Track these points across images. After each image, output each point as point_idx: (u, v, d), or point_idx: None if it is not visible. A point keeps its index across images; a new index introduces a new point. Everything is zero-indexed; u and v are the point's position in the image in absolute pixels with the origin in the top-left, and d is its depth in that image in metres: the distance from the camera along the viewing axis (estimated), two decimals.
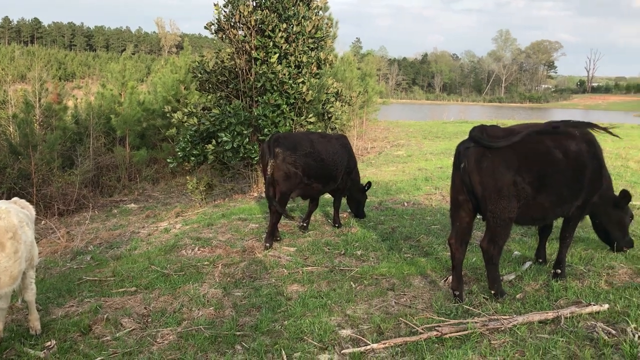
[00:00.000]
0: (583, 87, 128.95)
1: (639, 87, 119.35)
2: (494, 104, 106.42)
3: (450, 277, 5.50)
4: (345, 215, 9.24)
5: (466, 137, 5.17)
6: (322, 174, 7.89)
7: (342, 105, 14.12)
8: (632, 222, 6.59)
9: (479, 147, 4.97)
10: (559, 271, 5.70)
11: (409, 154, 20.91)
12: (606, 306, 4.72)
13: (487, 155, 4.92)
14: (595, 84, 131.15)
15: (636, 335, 4.08)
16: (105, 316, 5.35)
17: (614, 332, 4.24)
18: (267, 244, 7.58)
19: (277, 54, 11.64)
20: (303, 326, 4.79)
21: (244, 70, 12.28)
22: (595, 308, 4.67)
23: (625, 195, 6.13)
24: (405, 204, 10.43)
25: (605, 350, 3.98)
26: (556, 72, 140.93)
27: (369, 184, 9.05)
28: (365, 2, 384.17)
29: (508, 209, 4.96)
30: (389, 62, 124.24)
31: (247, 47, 12.11)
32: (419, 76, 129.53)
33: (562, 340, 4.16)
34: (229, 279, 6.43)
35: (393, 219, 9.09)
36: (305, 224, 8.65)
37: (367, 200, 9.30)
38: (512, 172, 4.92)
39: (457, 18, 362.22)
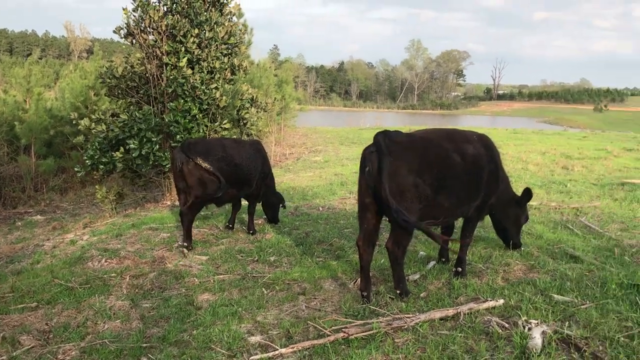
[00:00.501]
0: (490, 95, 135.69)
1: (540, 94, 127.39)
2: (407, 111, 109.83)
3: (359, 279, 5.62)
4: (260, 222, 9.22)
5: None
6: (236, 179, 7.85)
7: (257, 112, 14.07)
8: (527, 222, 7.02)
9: (384, 151, 5.11)
10: (460, 269, 6.00)
11: (326, 159, 21.15)
12: (501, 301, 5.00)
13: (391, 159, 5.08)
14: (501, 92, 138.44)
15: (526, 327, 4.35)
16: (1, 335, 5.03)
17: (507, 325, 4.50)
18: (187, 244, 7.64)
19: (186, 58, 11.43)
20: (212, 335, 4.73)
21: (155, 76, 11.98)
22: (492, 303, 4.93)
23: (528, 193, 6.56)
24: (321, 208, 10.54)
25: (499, 342, 4.22)
26: (465, 80, 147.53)
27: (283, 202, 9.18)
28: (282, 10, 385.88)
29: (410, 210, 5.12)
30: (307, 70, 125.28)
31: (158, 52, 11.82)
32: (337, 84, 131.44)
33: (461, 336, 4.36)
34: (137, 290, 6.23)
35: (308, 223, 9.16)
36: (231, 225, 8.77)
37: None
38: (413, 174, 5.11)
39: (372, 27, 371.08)
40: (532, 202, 10.04)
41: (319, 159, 21.35)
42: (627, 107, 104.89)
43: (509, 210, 6.61)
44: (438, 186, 5.28)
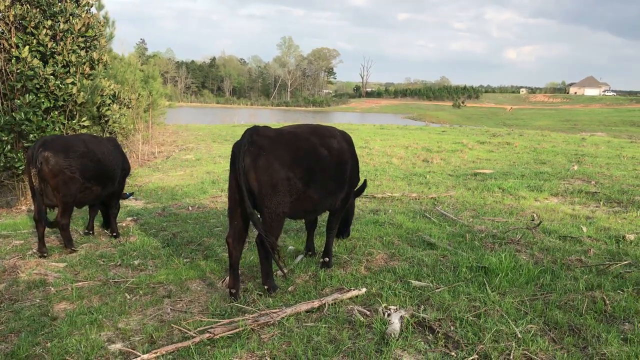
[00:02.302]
0: (359, 92, 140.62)
1: (405, 92, 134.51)
2: (281, 107, 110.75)
3: (227, 277, 5.58)
4: (124, 224, 8.82)
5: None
6: (101, 175, 7.48)
7: (120, 108, 13.45)
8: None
9: (254, 146, 5.15)
10: (327, 259, 6.21)
11: (197, 157, 20.70)
12: (364, 290, 5.22)
13: (262, 153, 5.12)
14: (369, 89, 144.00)
15: (386, 314, 4.58)
16: None
17: (368, 313, 4.70)
18: (43, 252, 7.15)
19: (27, 47, 10.58)
20: (68, 346, 4.44)
21: (3, 70, 11.00)
22: (355, 293, 5.13)
23: (365, 184, 7.13)
24: (190, 208, 10.30)
25: (361, 330, 4.40)
26: (335, 78, 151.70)
27: (132, 193, 8.97)
28: (150, 3, 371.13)
29: (282, 203, 5.23)
30: (177, 65, 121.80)
31: (6, 44, 10.87)
32: (209, 80, 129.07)
33: (325, 326, 4.48)
34: None
35: (176, 224, 8.92)
36: (90, 231, 8.33)
37: (150, 207, 9.01)
38: (285, 168, 5.22)
39: (242, 23, 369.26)
40: (395, 194, 10.61)
41: (190, 157, 20.85)
42: (482, 104, 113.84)
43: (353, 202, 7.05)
44: (308, 179, 5.44)
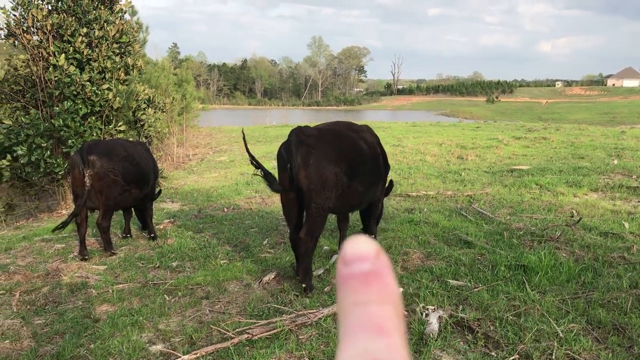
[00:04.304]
0: (390, 90, 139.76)
1: (437, 88, 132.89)
2: (312, 107, 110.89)
3: (266, 277, 5.69)
4: (161, 226, 8.96)
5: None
6: (139, 178, 7.69)
7: (155, 112, 13.68)
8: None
9: (303, 145, 5.31)
10: (373, 236, 6.53)
11: (231, 159, 20.90)
12: (401, 290, 5.19)
13: (312, 152, 5.28)
14: (400, 86, 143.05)
15: (424, 314, 4.54)
16: None
17: (406, 312, 4.67)
18: (85, 255, 7.32)
19: (63, 55, 10.85)
20: (111, 347, 4.53)
21: (42, 78, 11.31)
22: None
23: (392, 184, 7.18)
24: (226, 209, 10.40)
25: None
26: (366, 76, 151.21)
27: (160, 191, 9.08)
28: (180, 8, 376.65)
29: (329, 199, 5.42)
30: (209, 68, 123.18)
31: (44, 52, 11.17)
32: (240, 82, 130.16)
33: None
34: (29, 306, 5.85)
35: (212, 225, 9.02)
36: (128, 234, 8.48)
37: (186, 209, 9.15)
38: (332, 164, 5.37)
39: (272, 24, 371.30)
40: (430, 192, 10.51)
41: (223, 159, 21.06)
42: (516, 98, 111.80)
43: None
44: (352, 173, 5.60)
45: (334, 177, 5.41)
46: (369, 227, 7.11)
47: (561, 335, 4.21)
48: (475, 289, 5.27)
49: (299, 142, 5.34)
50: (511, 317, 4.56)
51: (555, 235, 7.05)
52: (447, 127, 31.45)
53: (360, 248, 0.49)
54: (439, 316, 4.54)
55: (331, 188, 5.41)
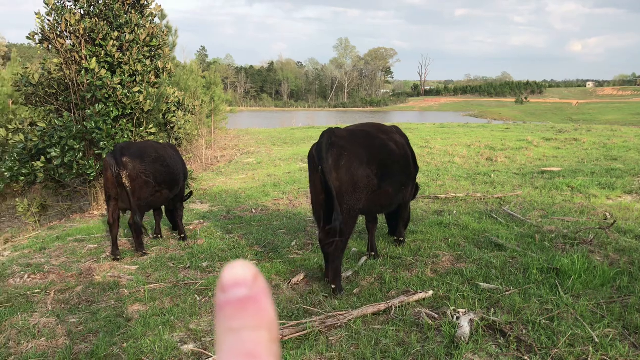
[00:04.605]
0: (417, 91, 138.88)
1: (465, 89, 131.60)
2: (338, 109, 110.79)
3: (295, 278, 5.71)
4: (191, 227, 9.06)
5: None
6: (169, 179, 7.82)
7: (185, 115, 13.84)
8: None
9: (335, 147, 5.34)
10: (401, 239, 6.76)
11: (258, 161, 21.02)
12: (431, 292, 5.15)
13: (343, 153, 5.29)
14: (427, 87, 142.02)
15: (455, 317, 4.50)
16: None
17: (436, 316, 4.63)
18: (117, 255, 7.46)
19: (94, 59, 11.05)
20: (143, 346, 4.60)
21: (74, 82, 11.54)
22: (422, 295, 5.06)
23: (418, 187, 7.23)
24: (254, 210, 10.47)
25: (429, 333, 4.33)
26: (393, 77, 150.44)
27: (191, 193, 9.17)
28: (208, 11, 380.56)
29: (360, 200, 5.44)
30: (237, 71, 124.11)
31: (77, 56, 11.39)
32: (267, 84, 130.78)
33: (393, 329, 4.45)
34: (63, 305, 5.98)
35: (241, 226, 9.08)
36: (158, 235, 8.59)
37: (215, 210, 9.24)
38: (364, 166, 5.40)
39: (299, 27, 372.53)
40: (459, 194, 10.41)
41: (251, 161, 21.19)
42: (546, 99, 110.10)
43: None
44: (383, 174, 5.63)
45: (365, 178, 5.42)
46: (396, 230, 7.09)
47: (596, 340, 4.12)
48: (506, 292, 5.20)
49: (330, 143, 5.35)
50: (544, 321, 4.49)
51: (588, 238, 6.91)
52: (476, 128, 31.11)
53: (237, 273, 0.50)
54: (470, 319, 4.50)
55: (362, 190, 5.41)
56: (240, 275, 0.50)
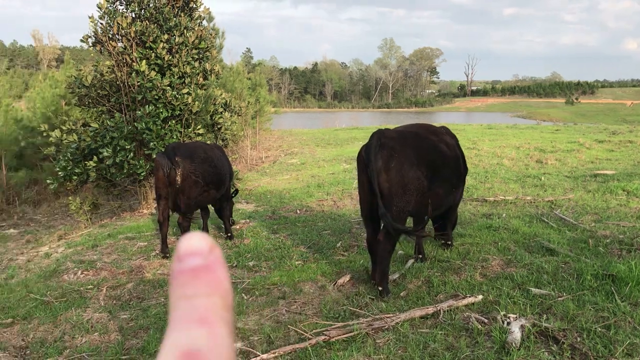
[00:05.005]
0: (464, 91, 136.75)
1: (513, 89, 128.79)
2: (382, 109, 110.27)
3: (341, 280, 5.71)
4: (237, 227, 9.16)
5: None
6: (217, 179, 7.97)
7: (231, 116, 14.02)
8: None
9: (385, 149, 5.32)
10: (449, 242, 6.72)
11: (302, 161, 21.10)
12: (480, 297, 5.05)
13: (394, 155, 5.26)
14: (474, 88, 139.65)
15: (505, 322, 4.39)
16: None
17: (486, 320, 4.53)
18: (166, 253, 7.63)
19: (144, 61, 11.30)
20: None
21: (125, 83, 11.84)
22: (471, 300, 4.97)
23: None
24: (298, 211, 10.51)
25: (479, 338, 4.25)
26: (438, 78, 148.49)
27: (237, 191, 9.29)
28: (253, 13, 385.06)
29: (409, 202, 5.42)
30: (281, 72, 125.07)
31: (128, 59, 11.70)
32: (311, 85, 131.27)
33: (441, 333, 4.38)
34: (115, 301, 6.14)
35: (286, 227, 9.13)
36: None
37: (260, 210, 9.34)
38: (414, 168, 5.37)
39: (343, 27, 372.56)
40: (508, 197, 10.19)
41: (295, 162, 21.30)
42: (598, 99, 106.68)
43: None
44: (433, 176, 5.58)
45: (415, 180, 5.38)
46: (443, 232, 7.01)
47: None
48: (559, 298, 5.05)
49: (381, 145, 5.32)
50: (600, 329, 4.33)
51: None
52: (525, 129, 30.40)
53: (193, 244, 0.52)
54: (522, 325, 4.38)
55: (412, 192, 5.37)
56: (196, 245, 0.52)
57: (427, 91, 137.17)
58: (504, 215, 8.82)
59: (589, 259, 6.13)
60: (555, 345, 4.17)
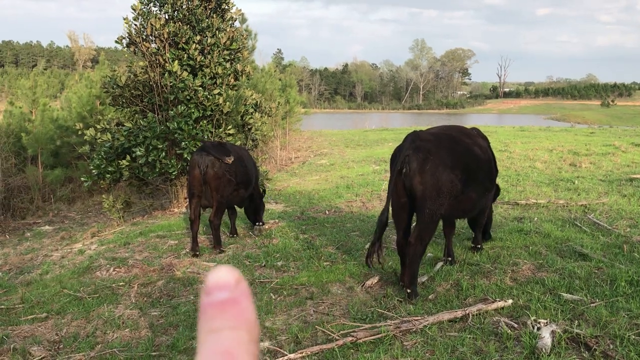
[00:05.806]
0: (496, 93, 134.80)
1: (547, 91, 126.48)
2: (413, 111, 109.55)
3: (369, 281, 5.73)
4: (266, 227, 9.23)
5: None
6: (246, 179, 8.13)
7: (262, 116, 14.11)
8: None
9: (420, 151, 5.31)
10: (479, 246, 6.69)
11: (331, 162, 21.12)
12: (510, 301, 4.98)
13: (429, 157, 5.26)
14: (507, 89, 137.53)
15: (535, 327, 4.32)
16: (12, 346, 5.05)
17: (516, 325, 4.47)
18: (196, 252, 7.72)
19: (176, 62, 11.46)
20: None
21: (158, 84, 12.04)
22: (500, 304, 4.91)
23: (499, 189, 7.13)
24: (327, 212, 10.52)
25: (508, 343, 4.19)
26: (470, 79, 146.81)
27: (264, 191, 9.47)
28: (285, 14, 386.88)
29: (442, 205, 5.41)
30: (311, 73, 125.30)
31: (161, 59, 11.88)
32: (341, 86, 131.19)
33: (470, 337, 4.34)
34: (145, 298, 6.25)
35: (314, 227, 9.16)
36: (234, 234, 8.85)
37: (289, 210, 9.41)
38: (448, 170, 5.35)
39: (374, 28, 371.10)
40: (540, 200, 10.03)
41: (324, 162, 21.33)
42: (635, 102, 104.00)
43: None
44: (466, 179, 5.56)
45: (449, 183, 5.36)
46: (479, 234, 6.97)
47: None
48: (592, 304, 4.95)
49: (415, 147, 5.31)
50: (633, 337, 4.24)
51: None
52: (558, 132, 29.85)
53: (221, 278, 0.53)
54: (552, 330, 4.31)
55: (445, 195, 5.36)
56: (223, 279, 0.53)
57: (459, 92, 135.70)
58: (535, 219, 8.68)
59: (624, 265, 6.00)
60: (587, 352, 4.09)
